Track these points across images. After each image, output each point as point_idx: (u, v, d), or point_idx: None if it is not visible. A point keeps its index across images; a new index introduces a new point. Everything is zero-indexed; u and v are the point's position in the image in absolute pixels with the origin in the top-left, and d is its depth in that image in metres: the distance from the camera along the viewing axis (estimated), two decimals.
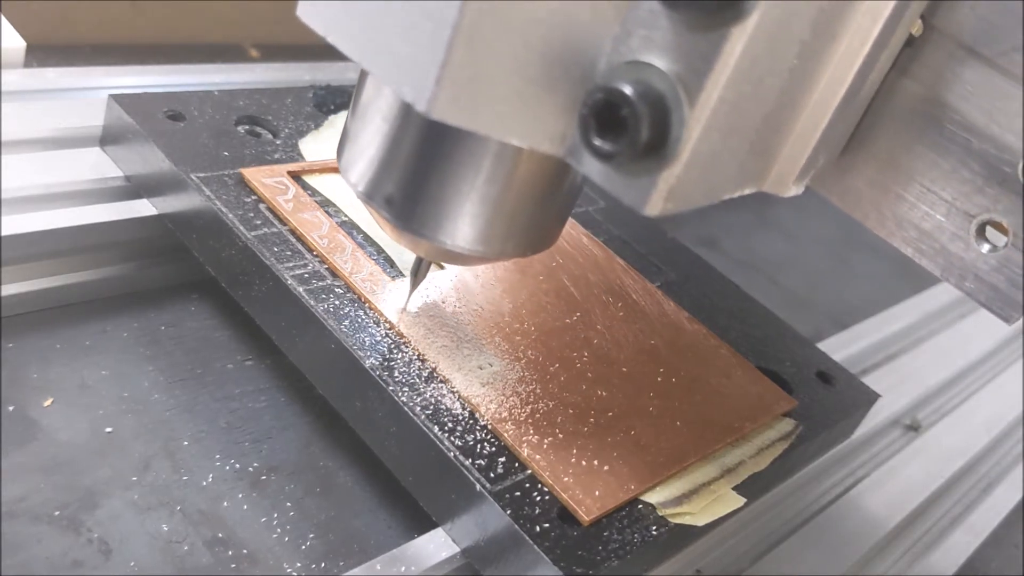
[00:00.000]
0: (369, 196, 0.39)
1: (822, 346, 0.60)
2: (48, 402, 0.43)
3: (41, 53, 0.65)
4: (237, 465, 0.44)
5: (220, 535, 0.41)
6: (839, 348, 0.67)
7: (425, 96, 0.29)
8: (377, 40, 0.30)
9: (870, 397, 0.56)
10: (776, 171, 0.36)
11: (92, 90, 0.57)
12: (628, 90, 0.29)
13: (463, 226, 0.38)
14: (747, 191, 0.36)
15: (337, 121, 0.57)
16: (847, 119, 0.36)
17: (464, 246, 0.39)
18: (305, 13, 0.32)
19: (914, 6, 0.34)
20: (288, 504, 0.43)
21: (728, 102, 0.30)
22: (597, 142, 0.30)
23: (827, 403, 0.53)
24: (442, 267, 0.49)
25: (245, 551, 0.41)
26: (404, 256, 0.49)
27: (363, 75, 0.38)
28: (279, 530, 0.42)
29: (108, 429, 0.43)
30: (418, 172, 0.37)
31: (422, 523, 0.43)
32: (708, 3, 0.28)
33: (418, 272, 0.45)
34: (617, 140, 0.30)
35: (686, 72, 0.29)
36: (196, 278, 0.52)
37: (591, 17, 0.30)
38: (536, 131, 0.31)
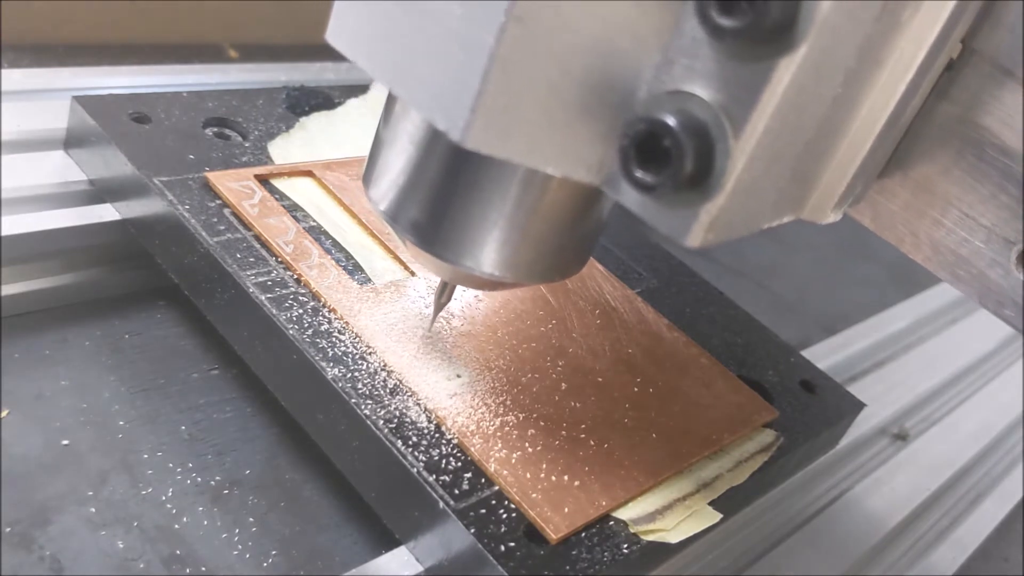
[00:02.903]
0: (394, 218, 0.37)
1: (808, 353, 0.59)
2: (4, 413, 0.42)
3: (12, 54, 0.63)
4: (199, 479, 0.43)
5: (178, 552, 0.39)
6: (826, 355, 0.65)
7: (459, 125, 0.28)
8: (409, 66, 0.29)
9: (855, 406, 0.54)
10: (815, 198, 0.35)
11: (59, 91, 0.55)
12: (671, 121, 0.28)
13: (489, 251, 0.37)
14: (786, 219, 0.35)
15: (309, 123, 0.56)
16: (887, 145, 0.36)
17: (490, 271, 0.37)
18: (334, 36, 0.31)
19: (956, 30, 0.33)
20: (251, 519, 0.42)
21: (772, 132, 0.29)
22: (639, 174, 0.29)
23: (810, 413, 0.51)
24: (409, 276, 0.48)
25: (204, 568, 0.39)
26: (373, 263, 0.48)
27: (392, 95, 0.37)
28: (240, 547, 0.41)
29: (64, 442, 0.42)
30: (445, 196, 0.36)
31: (390, 539, 0.41)
32: (757, 35, 0.27)
33: (442, 295, 0.44)
34: (659, 172, 0.29)
35: (731, 103, 0.28)
36: (164, 284, 0.50)
37: (631, 45, 0.29)
38: (572, 159, 0.30)
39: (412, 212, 0.37)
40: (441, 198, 0.36)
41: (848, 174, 0.34)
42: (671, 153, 0.28)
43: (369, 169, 0.38)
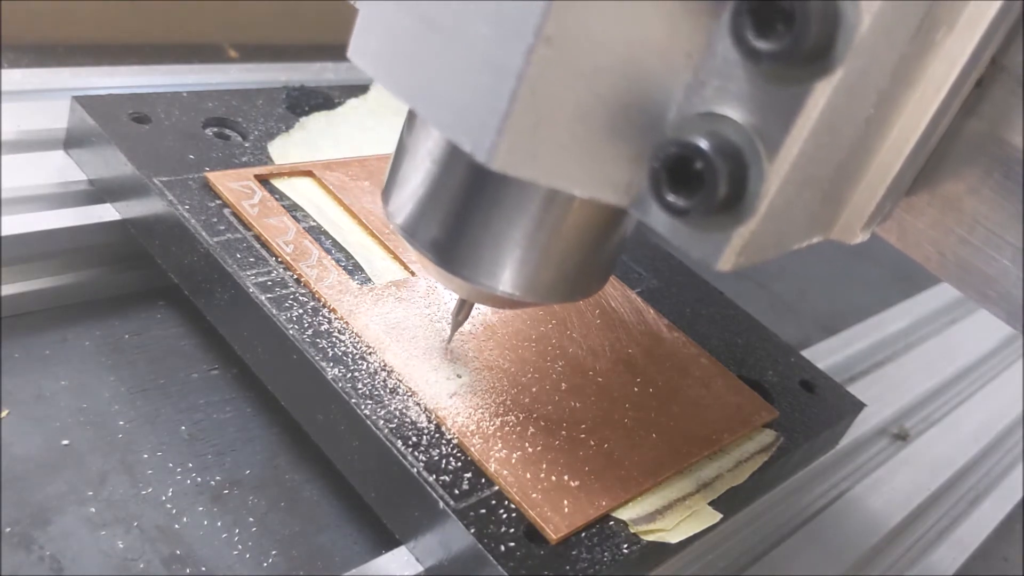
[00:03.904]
0: (412, 234, 0.37)
1: (808, 353, 0.59)
2: (4, 413, 0.42)
3: (12, 54, 0.63)
4: (199, 479, 0.43)
5: (178, 552, 0.39)
6: (826, 355, 0.65)
7: (485, 147, 0.27)
8: (434, 87, 0.28)
9: (855, 406, 0.54)
10: (844, 219, 0.35)
11: (59, 91, 0.56)
12: (704, 144, 0.28)
13: (509, 271, 0.36)
14: (815, 240, 0.34)
15: (309, 123, 0.56)
16: (916, 164, 0.35)
17: (509, 291, 0.37)
18: (356, 54, 0.30)
19: (989, 48, 0.32)
20: (251, 519, 0.42)
21: (806, 155, 0.28)
22: (670, 198, 0.29)
23: (810, 413, 0.51)
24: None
25: (204, 568, 0.39)
26: (373, 263, 0.48)
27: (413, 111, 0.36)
28: (240, 547, 0.41)
29: (65, 442, 0.42)
30: (465, 214, 0.35)
31: (390, 539, 0.41)
32: (794, 58, 0.26)
33: (459, 313, 0.43)
34: (691, 196, 0.28)
35: (765, 125, 0.27)
36: (164, 284, 0.50)
37: (662, 65, 0.28)
38: (600, 181, 0.30)
39: (431, 229, 0.36)
40: (461, 216, 0.35)
41: (878, 194, 0.34)
42: (704, 177, 0.28)
43: (389, 184, 0.38)
